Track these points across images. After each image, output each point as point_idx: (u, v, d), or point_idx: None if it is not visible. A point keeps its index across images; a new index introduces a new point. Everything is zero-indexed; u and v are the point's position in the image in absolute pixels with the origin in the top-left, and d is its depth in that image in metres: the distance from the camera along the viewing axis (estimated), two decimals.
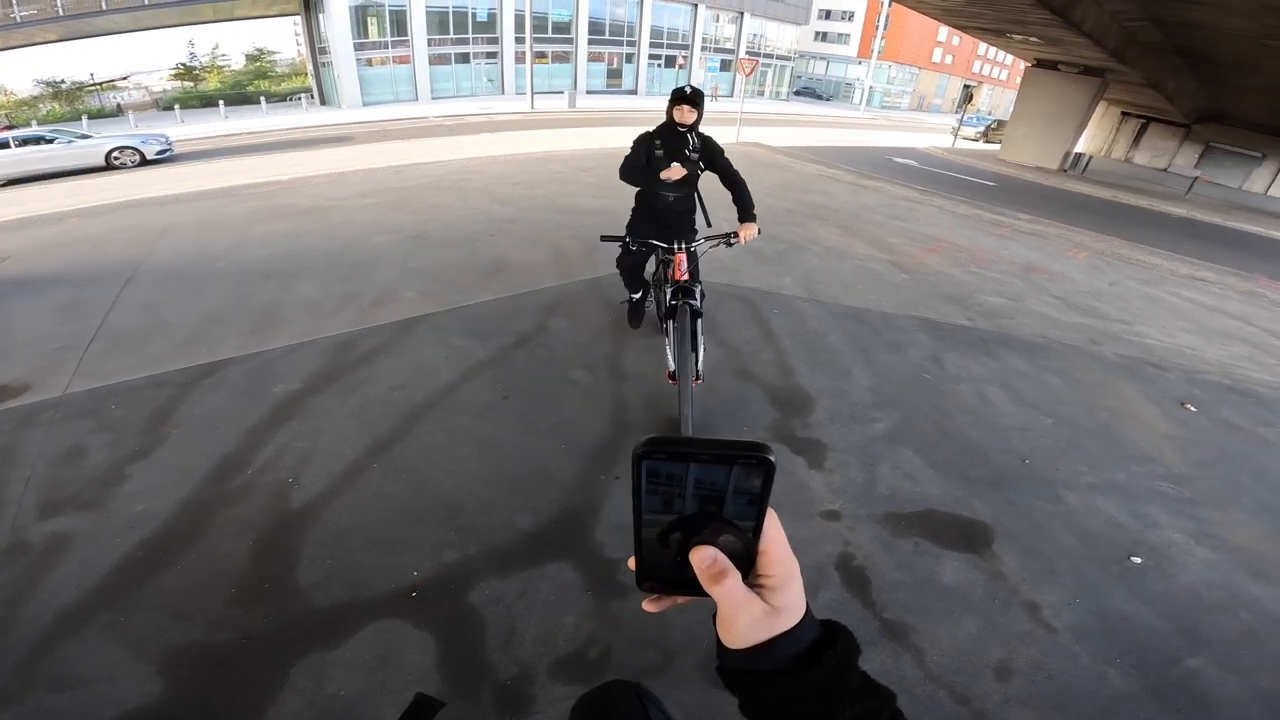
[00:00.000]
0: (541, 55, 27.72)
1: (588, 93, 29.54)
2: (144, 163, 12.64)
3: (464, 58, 27.13)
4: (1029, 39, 15.46)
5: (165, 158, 13.01)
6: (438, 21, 25.58)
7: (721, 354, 3.98)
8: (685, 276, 3.14)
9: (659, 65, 33.15)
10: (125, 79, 37.45)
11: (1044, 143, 18.56)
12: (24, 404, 3.20)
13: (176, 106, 26.81)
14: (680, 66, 32.90)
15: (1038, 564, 2.51)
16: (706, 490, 0.36)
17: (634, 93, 32.33)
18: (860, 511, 2.70)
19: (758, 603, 0.38)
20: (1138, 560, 2.58)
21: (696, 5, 32.70)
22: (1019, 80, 19.94)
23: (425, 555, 2.31)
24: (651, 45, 32.20)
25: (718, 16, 34.68)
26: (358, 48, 24.09)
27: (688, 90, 3.10)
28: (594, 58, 30.61)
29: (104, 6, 20.87)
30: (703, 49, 34.33)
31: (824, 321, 4.66)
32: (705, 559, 0.37)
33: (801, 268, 5.90)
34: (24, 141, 11.89)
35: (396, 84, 25.51)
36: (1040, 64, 18.31)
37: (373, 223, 6.64)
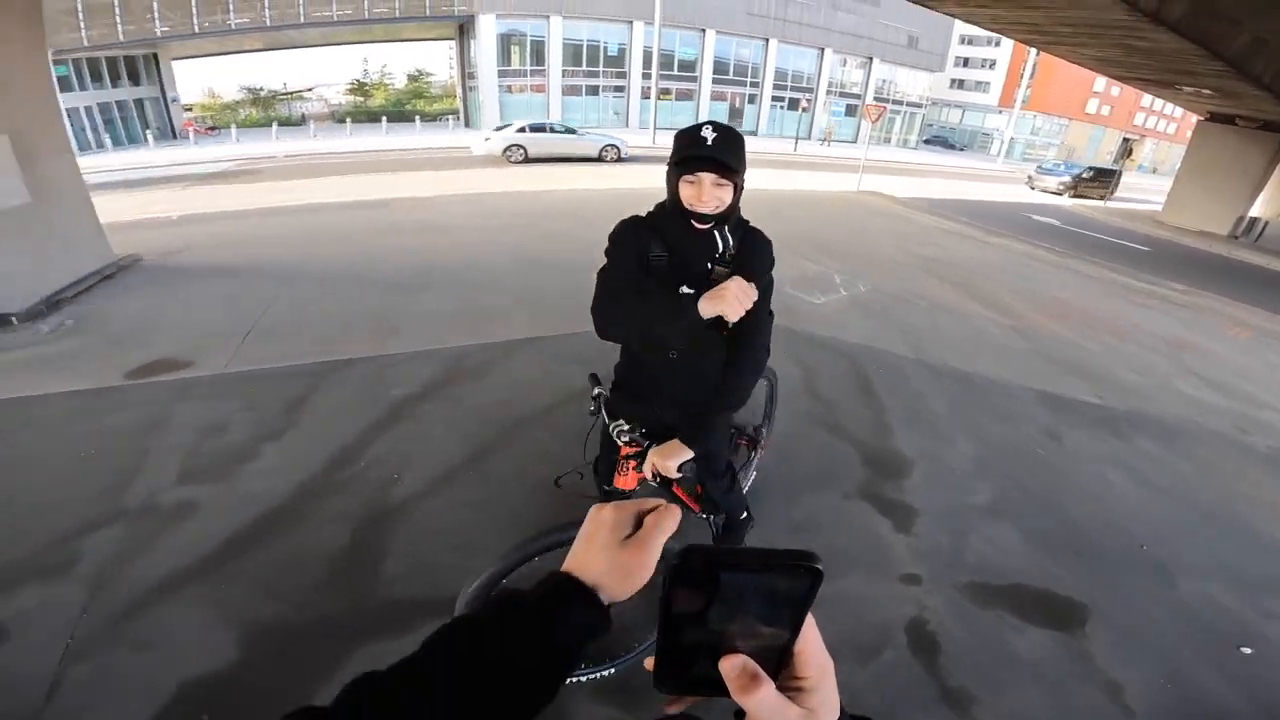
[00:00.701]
0: (666, 92, 28.73)
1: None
2: (618, 159, 16.52)
3: (594, 90, 28.75)
4: (1200, 91, 13.92)
5: (626, 158, 16.69)
6: (572, 54, 27.39)
7: (814, 406, 3.85)
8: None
9: (781, 107, 33.27)
10: (310, 90, 43.12)
11: (1212, 205, 16.47)
12: (186, 377, 3.69)
13: (348, 120, 30.39)
14: (804, 109, 32.79)
15: (1130, 645, 2.33)
16: (746, 597, 0.36)
17: (754, 133, 32.58)
18: (942, 578, 2.56)
19: (792, 708, 0.36)
20: (1247, 650, 2.35)
21: (823, 50, 32.62)
22: (1189, 134, 18.00)
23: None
24: (775, 87, 32.45)
25: (845, 61, 34.32)
26: (501, 74, 26.29)
27: (709, 137, 1.33)
28: (716, 96, 31.28)
29: (301, 19, 24.07)
30: (827, 92, 34.06)
31: (930, 384, 4.40)
32: (735, 668, 0.36)
33: (910, 326, 5.60)
34: (553, 129, 16.38)
35: (531, 111, 27.37)
36: (1214, 118, 16.44)
37: (495, 244, 7.11)
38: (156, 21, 22.14)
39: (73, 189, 5.64)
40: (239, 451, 2.99)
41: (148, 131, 23.89)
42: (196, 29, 22.93)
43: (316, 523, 2.56)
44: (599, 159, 16.31)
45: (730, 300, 1.26)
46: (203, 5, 22.51)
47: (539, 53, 26.73)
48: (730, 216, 1.47)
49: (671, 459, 1.58)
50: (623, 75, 28.84)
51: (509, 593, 0.49)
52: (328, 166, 14.73)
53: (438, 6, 25.06)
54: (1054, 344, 5.64)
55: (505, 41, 26.13)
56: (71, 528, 2.44)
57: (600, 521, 0.53)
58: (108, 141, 21.98)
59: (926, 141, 44.18)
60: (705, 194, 1.39)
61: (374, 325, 4.57)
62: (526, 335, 4.53)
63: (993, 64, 46.83)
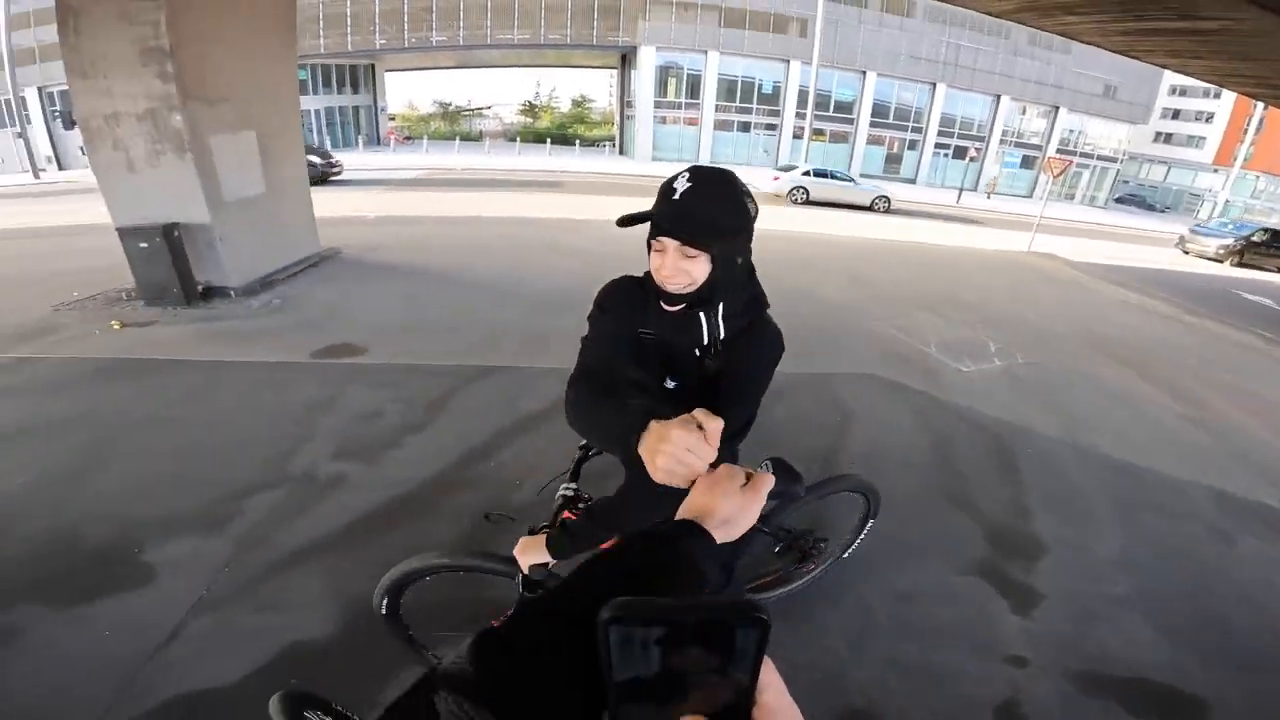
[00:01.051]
0: (819, 133, 28.08)
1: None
2: (887, 210, 17.07)
3: (745, 127, 28.92)
4: None
5: (887, 209, 17.31)
6: (726, 89, 27.79)
7: (941, 477, 3.52)
8: None
9: (945, 155, 30.91)
10: (489, 108, 48.08)
11: None
12: (358, 362, 4.20)
13: (518, 139, 33.31)
14: (972, 159, 30.23)
15: None
16: (689, 652, 0.34)
17: (912, 182, 30.52)
18: (1052, 664, 2.34)
19: None
20: None
21: (998, 96, 29.93)
22: None
23: None
24: (940, 134, 30.31)
25: (1024, 109, 31.36)
26: (656, 105, 27.34)
27: (679, 189, 1.01)
28: (873, 140, 29.93)
29: (488, 40, 26.89)
30: (1001, 142, 31.33)
31: (1085, 471, 3.87)
32: None
33: (1072, 408, 4.94)
34: (834, 176, 17.24)
35: (682, 143, 28.20)
36: None
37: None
38: (377, 34, 25.82)
39: (298, 185, 6.66)
40: (388, 438, 3.32)
41: (359, 136, 27.76)
42: (406, 43, 26.49)
43: (441, 515, 2.75)
44: (869, 208, 16.81)
45: (660, 464, 0.72)
46: (411, 22, 25.99)
47: (694, 86, 27.46)
48: (714, 298, 1.09)
49: (527, 555, 1.31)
50: (776, 113, 28.65)
51: (642, 530, 0.55)
52: (502, 182, 16.23)
53: (604, 36, 26.81)
54: (1244, 441, 4.74)
55: (663, 73, 27.16)
56: (240, 487, 2.81)
57: (722, 473, 0.67)
58: (327, 143, 25.85)
59: (1119, 200, 38.91)
60: (667, 266, 1.05)
61: (520, 337, 4.92)
62: None
63: (1209, 117, 40.74)
